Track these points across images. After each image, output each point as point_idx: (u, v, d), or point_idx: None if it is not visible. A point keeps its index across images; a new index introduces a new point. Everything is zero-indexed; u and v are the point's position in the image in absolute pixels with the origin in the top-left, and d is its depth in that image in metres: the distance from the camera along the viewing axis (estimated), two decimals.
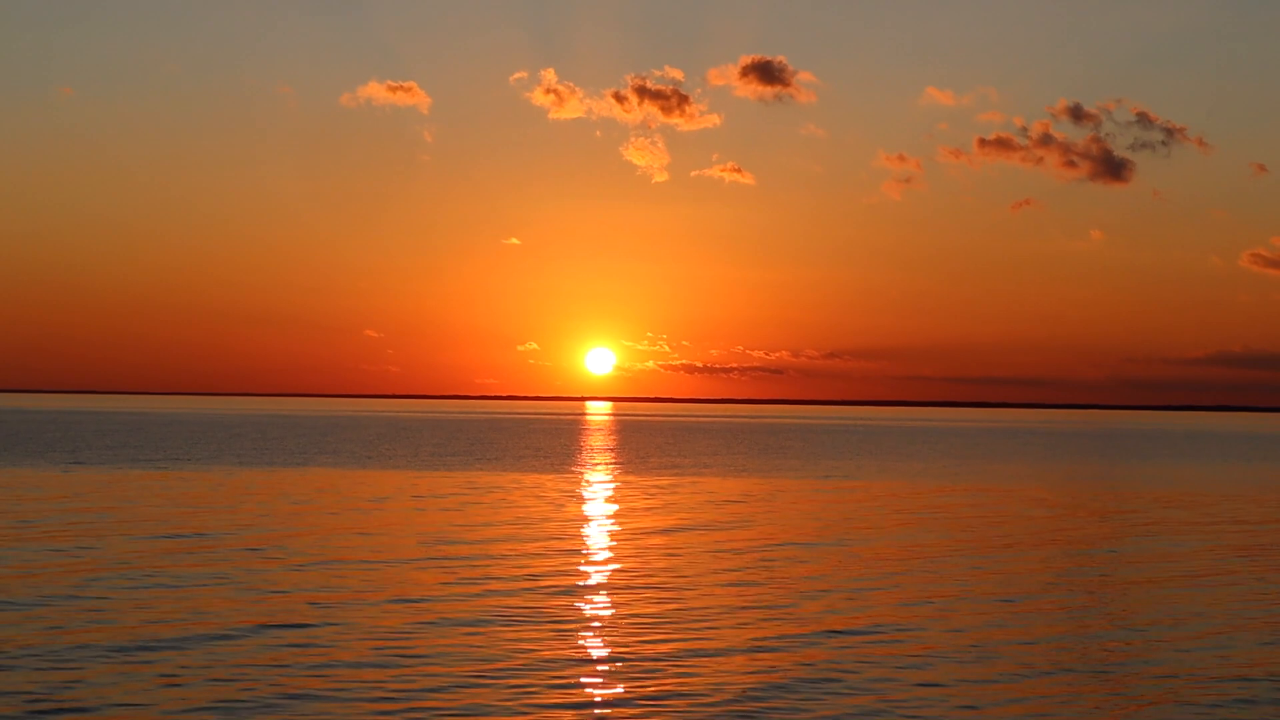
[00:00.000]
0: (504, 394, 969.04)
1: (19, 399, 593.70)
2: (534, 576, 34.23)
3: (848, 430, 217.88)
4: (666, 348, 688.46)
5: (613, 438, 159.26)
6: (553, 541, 42.80)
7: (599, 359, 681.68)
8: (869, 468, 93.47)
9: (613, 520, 50.77)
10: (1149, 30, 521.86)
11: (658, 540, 43.70)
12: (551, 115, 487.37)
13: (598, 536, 44.73)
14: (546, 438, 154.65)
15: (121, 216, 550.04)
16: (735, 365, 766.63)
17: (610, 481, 74.21)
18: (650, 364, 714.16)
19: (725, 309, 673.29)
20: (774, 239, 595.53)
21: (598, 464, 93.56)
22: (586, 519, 51.26)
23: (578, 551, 40.26)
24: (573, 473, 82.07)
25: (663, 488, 69.32)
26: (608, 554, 39.74)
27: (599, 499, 61.49)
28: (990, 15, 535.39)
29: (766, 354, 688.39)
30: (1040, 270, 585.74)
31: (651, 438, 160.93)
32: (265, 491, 62.37)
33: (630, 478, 77.86)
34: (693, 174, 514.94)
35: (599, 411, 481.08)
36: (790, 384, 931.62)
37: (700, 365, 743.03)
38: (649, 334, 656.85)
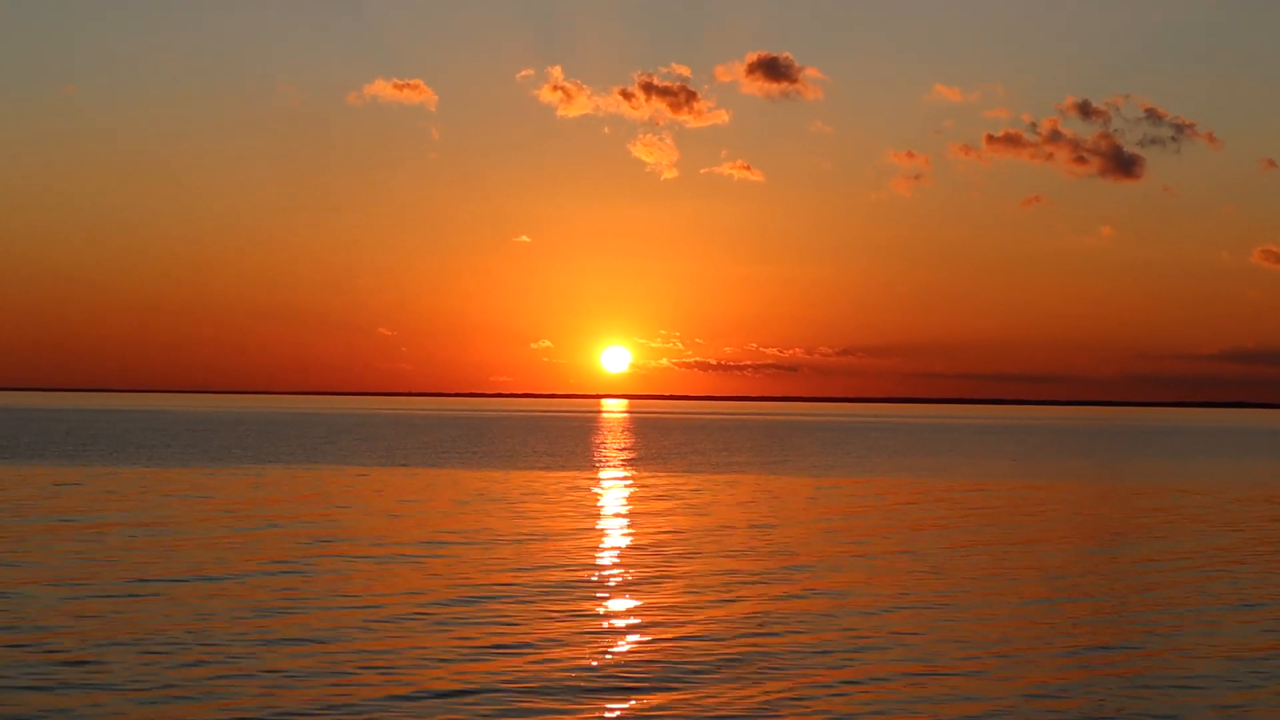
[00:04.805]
0: (519, 392, 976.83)
1: (27, 397, 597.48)
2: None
3: (941, 429, 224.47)
4: (679, 345, 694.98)
5: (719, 437, 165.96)
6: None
7: (614, 356, 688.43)
8: (1005, 469, 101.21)
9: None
10: (1157, 25, 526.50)
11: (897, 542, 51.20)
12: (559, 112, 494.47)
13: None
14: (624, 436, 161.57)
15: (125, 215, 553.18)
16: (749, 363, 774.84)
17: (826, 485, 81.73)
18: (664, 361, 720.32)
19: (736, 306, 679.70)
20: (783, 236, 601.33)
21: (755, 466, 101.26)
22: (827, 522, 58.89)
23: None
24: (710, 473, 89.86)
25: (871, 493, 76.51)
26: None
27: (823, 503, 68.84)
28: (997, 11, 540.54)
29: (780, 351, 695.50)
30: (1050, 266, 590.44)
31: (740, 437, 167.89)
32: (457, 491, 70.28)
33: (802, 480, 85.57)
34: (702, 171, 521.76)
35: (627, 409, 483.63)
36: (804, 381, 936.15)
37: (714, 363, 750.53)
38: (661, 331, 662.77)
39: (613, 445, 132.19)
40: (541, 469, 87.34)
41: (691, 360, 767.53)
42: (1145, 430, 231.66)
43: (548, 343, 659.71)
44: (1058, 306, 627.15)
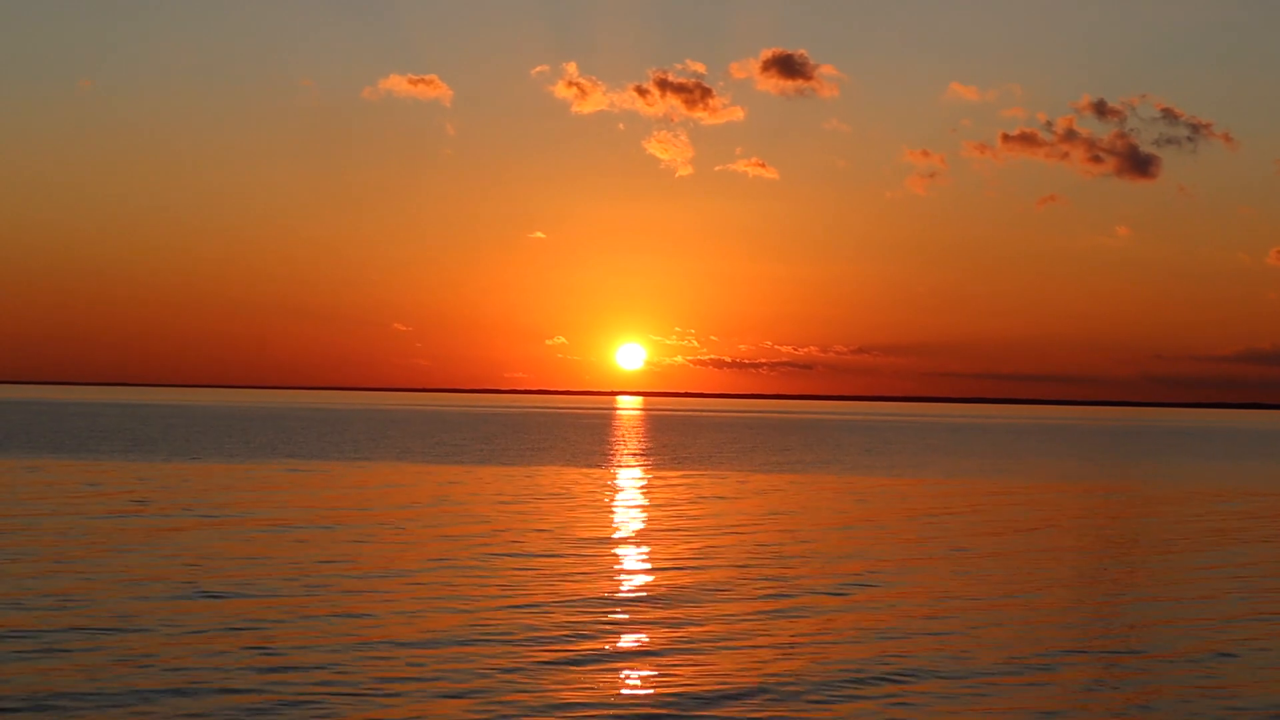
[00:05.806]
0: (534, 388, 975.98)
1: (39, 391, 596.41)
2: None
3: (1015, 429, 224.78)
4: (695, 343, 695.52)
5: (796, 437, 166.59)
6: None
7: (629, 353, 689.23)
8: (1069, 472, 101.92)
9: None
10: (1173, 26, 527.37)
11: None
12: (574, 109, 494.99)
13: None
14: (663, 434, 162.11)
15: (141, 209, 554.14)
16: (764, 360, 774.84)
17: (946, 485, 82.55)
18: (679, 359, 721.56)
19: (751, 304, 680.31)
20: (799, 234, 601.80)
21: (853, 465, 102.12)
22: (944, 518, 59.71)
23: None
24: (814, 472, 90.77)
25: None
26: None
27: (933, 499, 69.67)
28: (1013, 10, 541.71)
29: (795, 349, 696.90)
30: (1067, 266, 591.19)
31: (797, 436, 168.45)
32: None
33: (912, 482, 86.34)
34: (716, 168, 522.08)
35: (644, 407, 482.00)
36: (819, 379, 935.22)
37: (729, 360, 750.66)
38: (677, 328, 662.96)
39: (658, 443, 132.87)
40: (605, 467, 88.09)
41: (706, 358, 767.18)
42: (1171, 431, 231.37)
43: (562, 339, 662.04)
44: (1074, 306, 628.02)
